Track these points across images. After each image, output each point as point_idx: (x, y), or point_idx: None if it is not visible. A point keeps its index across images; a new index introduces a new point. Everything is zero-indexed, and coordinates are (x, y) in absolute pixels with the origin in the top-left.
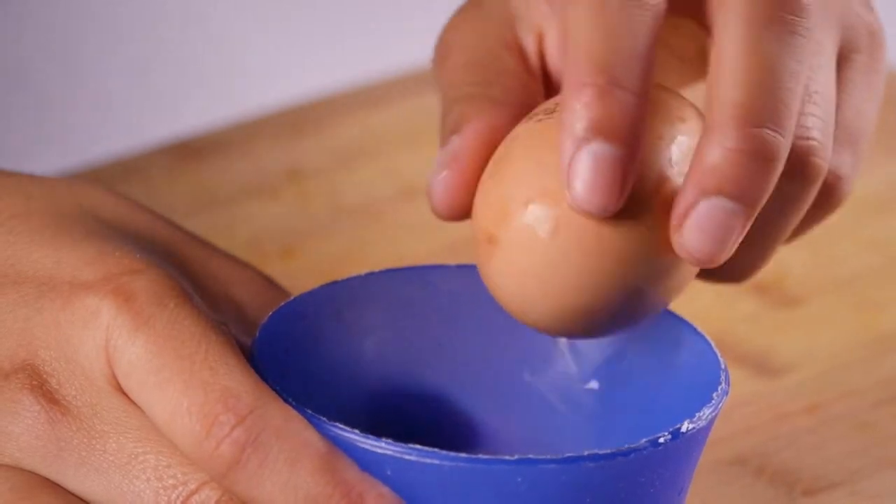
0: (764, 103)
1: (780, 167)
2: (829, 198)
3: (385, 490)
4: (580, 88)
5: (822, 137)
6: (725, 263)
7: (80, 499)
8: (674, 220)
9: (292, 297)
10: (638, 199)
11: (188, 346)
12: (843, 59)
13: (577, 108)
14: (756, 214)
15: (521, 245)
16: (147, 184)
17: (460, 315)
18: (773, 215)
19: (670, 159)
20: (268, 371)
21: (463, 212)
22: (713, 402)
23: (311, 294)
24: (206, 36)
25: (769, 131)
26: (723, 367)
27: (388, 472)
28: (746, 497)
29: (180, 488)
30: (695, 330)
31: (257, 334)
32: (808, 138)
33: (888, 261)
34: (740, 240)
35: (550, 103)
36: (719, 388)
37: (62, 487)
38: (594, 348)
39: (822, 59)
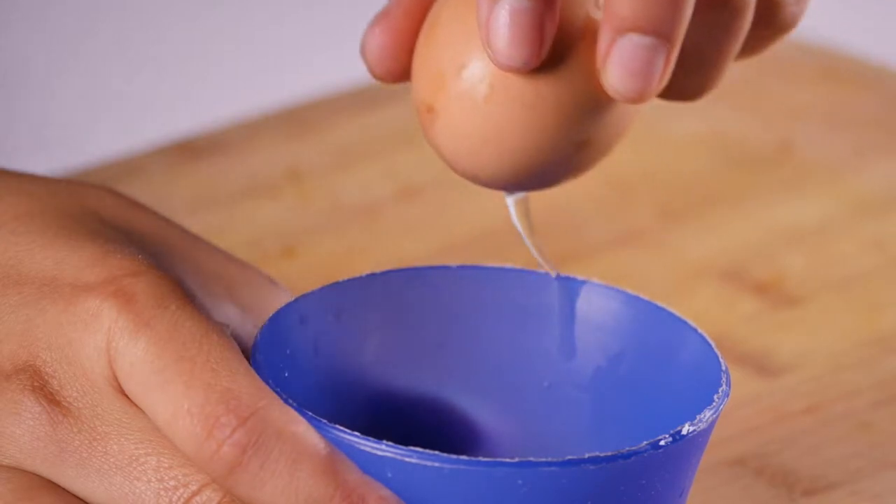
0: None
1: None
2: (772, 19)
3: (386, 492)
4: None
5: None
6: (677, 84)
7: (81, 500)
8: (598, 63)
9: (293, 299)
10: (568, 48)
11: (189, 347)
12: None
13: None
14: (678, 45)
15: (460, 110)
16: (147, 184)
17: (460, 315)
18: (712, 40)
19: (594, 4)
20: (269, 372)
21: (398, 72)
22: (714, 404)
23: (312, 295)
24: (206, 36)
25: None
26: (723, 368)
27: (389, 475)
28: (746, 497)
29: (181, 490)
30: (695, 330)
31: (258, 336)
32: None
33: (888, 261)
34: (668, 72)
35: None
36: (720, 389)
37: (63, 488)
38: (594, 350)
39: None
